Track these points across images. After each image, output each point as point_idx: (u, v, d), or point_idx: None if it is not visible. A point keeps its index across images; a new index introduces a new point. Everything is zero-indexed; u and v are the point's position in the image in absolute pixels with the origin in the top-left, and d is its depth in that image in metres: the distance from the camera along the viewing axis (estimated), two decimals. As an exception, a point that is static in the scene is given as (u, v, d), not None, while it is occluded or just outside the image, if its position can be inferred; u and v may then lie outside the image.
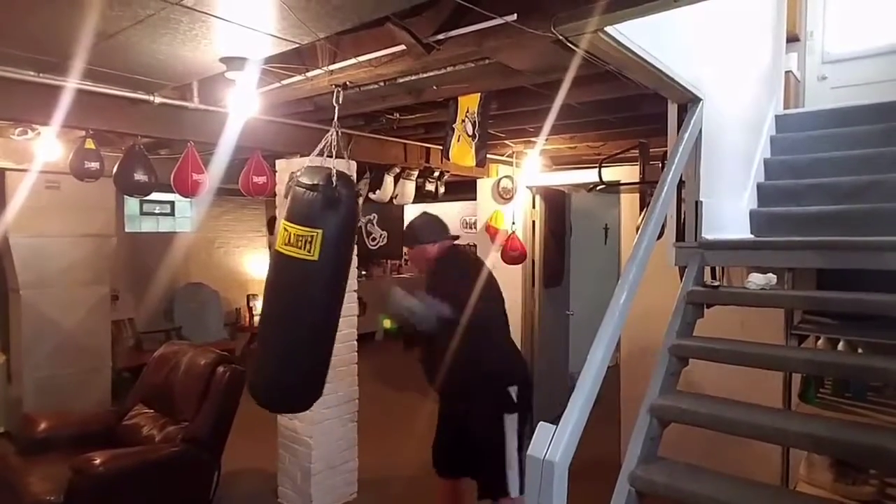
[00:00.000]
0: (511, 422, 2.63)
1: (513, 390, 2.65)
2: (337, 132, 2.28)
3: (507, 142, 4.21)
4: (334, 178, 2.03)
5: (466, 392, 2.65)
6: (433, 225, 2.85)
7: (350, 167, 3.12)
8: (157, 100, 2.69)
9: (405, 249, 2.85)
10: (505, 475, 2.60)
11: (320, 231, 2.01)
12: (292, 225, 2.05)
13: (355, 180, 3.14)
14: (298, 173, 2.15)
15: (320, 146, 2.26)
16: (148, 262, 6.51)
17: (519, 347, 4.51)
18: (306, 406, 2.34)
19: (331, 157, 2.23)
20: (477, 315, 2.53)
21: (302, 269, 2.04)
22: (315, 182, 2.04)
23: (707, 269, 2.48)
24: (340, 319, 2.26)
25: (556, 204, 5.22)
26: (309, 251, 2.01)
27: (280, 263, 2.11)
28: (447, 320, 2.48)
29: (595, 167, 4.15)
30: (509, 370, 2.73)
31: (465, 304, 2.50)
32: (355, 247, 2.31)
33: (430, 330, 2.53)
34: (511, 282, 4.69)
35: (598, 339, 1.68)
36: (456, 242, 2.92)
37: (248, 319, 7.43)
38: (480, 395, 2.64)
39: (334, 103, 2.35)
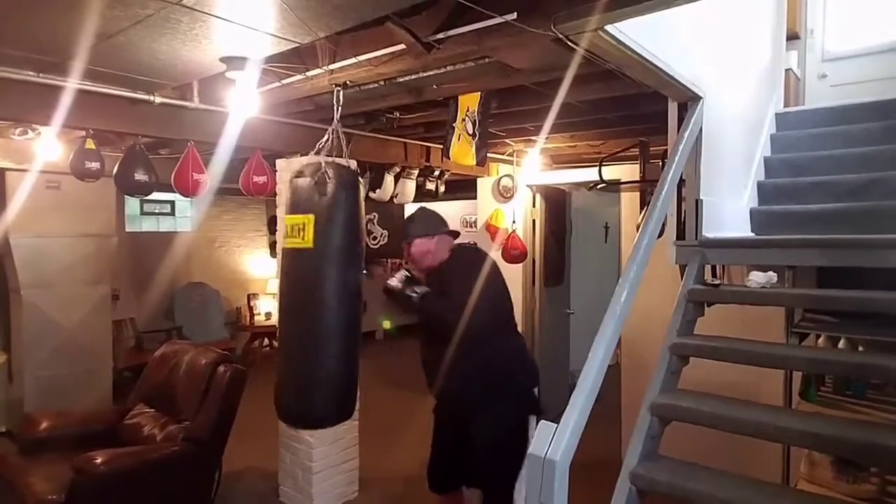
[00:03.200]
0: (534, 425, 2.46)
1: (535, 392, 2.58)
2: (337, 131, 2.28)
3: (507, 140, 4.21)
4: (323, 164, 2.01)
5: (486, 396, 2.48)
6: (430, 218, 2.72)
7: (349, 166, 3.12)
8: (158, 100, 2.69)
9: (403, 246, 2.68)
10: (514, 484, 2.46)
11: (312, 216, 1.97)
12: (289, 216, 2.05)
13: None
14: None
15: (319, 144, 2.27)
16: (148, 261, 6.52)
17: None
18: (336, 417, 2.17)
19: (330, 155, 2.23)
20: (494, 314, 2.47)
21: (299, 258, 2.01)
22: (306, 171, 2.04)
23: (707, 268, 2.48)
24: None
25: (556, 203, 5.22)
26: (303, 238, 1.97)
27: (286, 260, 2.09)
28: (456, 322, 2.36)
29: (595, 166, 4.15)
30: (532, 370, 2.64)
31: (481, 308, 2.38)
32: (362, 237, 2.19)
33: (438, 326, 2.45)
34: (511, 281, 4.64)
35: (598, 338, 1.68)
36: (459, 241, 2.80)
37: (248, 319, 7.45)
38: (501, 399, 2.49)
39: (335, 103, 2.35)
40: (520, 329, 4.59)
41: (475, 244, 5.12)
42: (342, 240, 2.02)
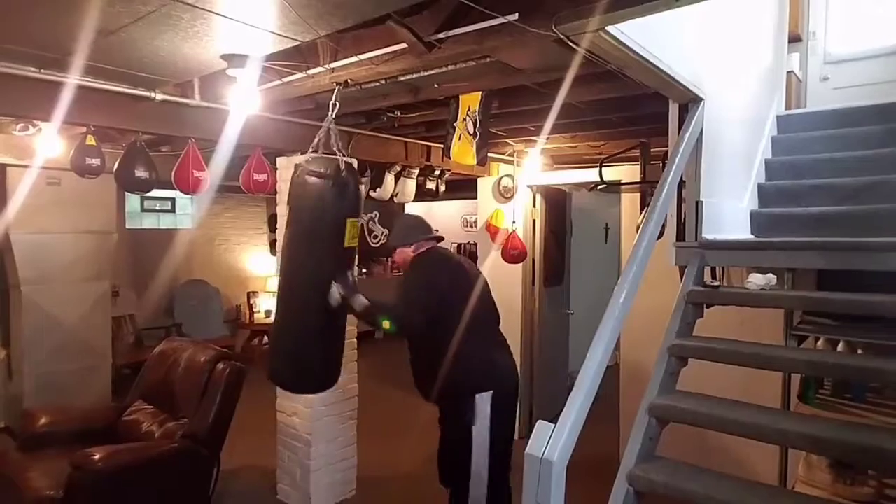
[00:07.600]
0: (479, 434, 2.43)
1: (482, 397, 2.45)
2: (331, 127, 2.31)
3: (507, 140, 4.21)
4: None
5: (439, 398, 2.56)
6: (411, 226, 2.76)
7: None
8: (159, 96, 2.69)
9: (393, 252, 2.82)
10: (467, 493, 2.44)
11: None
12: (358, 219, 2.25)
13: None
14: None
15: (325, 141, 2.31)
16: (149, 258, 6.53)
17: (519, 347, 4.55)
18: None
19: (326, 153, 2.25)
20: (448, 318, 2.45)
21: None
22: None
23: (707, 269, 2.48)
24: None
25: (556, 203, 5.22)
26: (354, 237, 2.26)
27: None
28: (425, 323, 2.41)
29: (596, 166, 4.14)
30: (479, 375, 2.50)
31: (431, 307, 2.42)
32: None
33: (411, 332, 2.51)
34: (511, 281, 4.69)
35: (597, 338, 1.68)
36: (440, 245, 2.80)
37: (248, 316, 7.44)
38: (448, 402, 2.55)
39: (334, 102, 2.34)
40: (518, 329, 4.65)
41: (475, 244, 5.11)
42: None
